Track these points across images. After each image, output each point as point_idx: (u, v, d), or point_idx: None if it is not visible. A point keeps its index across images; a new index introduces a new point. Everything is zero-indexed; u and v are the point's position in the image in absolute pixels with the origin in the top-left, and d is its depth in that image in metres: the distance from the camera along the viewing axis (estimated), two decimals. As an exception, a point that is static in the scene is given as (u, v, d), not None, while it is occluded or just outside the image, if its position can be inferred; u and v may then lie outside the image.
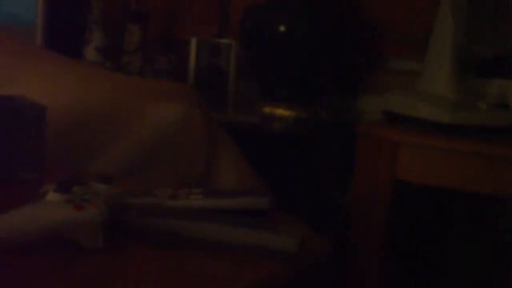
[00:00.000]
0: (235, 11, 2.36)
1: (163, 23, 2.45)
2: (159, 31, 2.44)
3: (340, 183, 2.10)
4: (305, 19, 2.13)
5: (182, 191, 1.19)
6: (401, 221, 2.21)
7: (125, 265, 0.98)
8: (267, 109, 2.17)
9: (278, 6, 2.17)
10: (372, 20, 2.34)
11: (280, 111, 2.16)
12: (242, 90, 2.27)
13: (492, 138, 1.80)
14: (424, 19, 2.08)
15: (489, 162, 1.75)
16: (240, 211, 1.16)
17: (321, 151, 2.18)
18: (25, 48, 1.69)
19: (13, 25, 2.23)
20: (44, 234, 0.93)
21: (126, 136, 1.39)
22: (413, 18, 2.27)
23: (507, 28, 1.91)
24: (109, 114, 1.41)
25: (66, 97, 1.40)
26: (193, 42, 2.19)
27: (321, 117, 2.22)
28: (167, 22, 2.46)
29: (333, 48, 2.19)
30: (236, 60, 2.20)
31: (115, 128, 1.41)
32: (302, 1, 2.16)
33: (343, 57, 2.28)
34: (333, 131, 2.23)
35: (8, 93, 1.20)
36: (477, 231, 2.27)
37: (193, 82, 2.19)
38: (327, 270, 1.29)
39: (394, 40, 2.31)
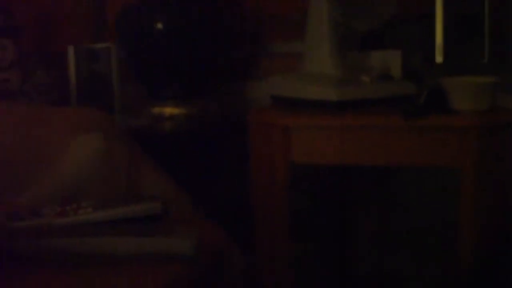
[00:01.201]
0: (110, 14, 2.31)
1: (38, 35, 2.38)
2: (35, 44, 2.36)
3: (239, 173, 2.10)
4: (181, 14, 2.11)
5: (71, 207, 1.15)
6: (304, 202, 2.24)
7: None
8: (156, 110, 2.14)
9: (152, 4, 2.14)
10: (250, 7, 2.34)
11: (169, 110, 2.13)
12: (129, 93, 2.23)
13: (379, 110, 1.83)
14: (300, 0, 2.09)
15: (378, 134, 1.78)
16: (133, 219, 1.14)
17: (216, 144, 2.17)
18: None
19: None
20: None
21: (51, 170, 1.42)
22: (290, 1, 2.28)
23: (380, 2, 1.94)
24: (29, 151, 1.46)
25: None
26: (70, 50, 2.13)
27: (211, 110, 2.20)
28: (42, 34, 2.38)
29: (213, 39, 2.17)
30: (118, 63, 2.15)
31: (38, 164, 1.44)
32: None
33: (225, 47, 2.27)
34: (225, 123, 2.22)
35: None
36: (377, 203, 2.32)
37: (75, 92, 2.13)
38: (232, 264, 1.28)
39: (275, 24, 2.32)
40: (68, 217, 1.11)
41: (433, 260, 2.24)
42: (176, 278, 1.03)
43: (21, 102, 2.09)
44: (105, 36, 2.33)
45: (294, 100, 1.91)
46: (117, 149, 1.47)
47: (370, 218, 2.33)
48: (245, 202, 2.02)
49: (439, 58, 2.06)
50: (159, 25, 2.09)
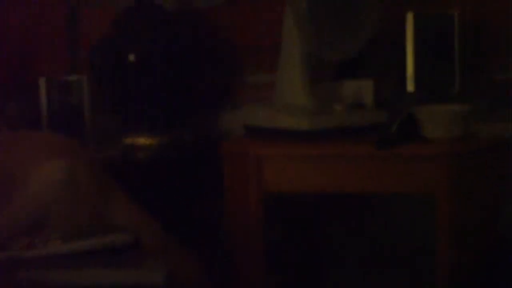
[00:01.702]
0: (84, 46, 2.31)
1: (9, 66, 2.36)
2: (6, 75, 2.35)
3: (213, 202, 2.09)
4: (154, 46, 2.11)
5: (39, 239, 1.14)
6: (279, 232, 2.23)
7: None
8: (128, 140, 2.14)
9: (126, 36, 2.14)
10: (225, 38, 2.35)
11: (142, 140, 2.12)
12: (101, 124, 2.21)
13: (351, 138, 1.83)
14: (274, 31, 2.10)
15: (351, 163, 1.78)
16: (103, 250, 1.13)
17: (189, 173, 2.16)
18: None
19: None
20: None
21: (15, 197, 1.40)
22: (264, 32, 2.30)
23: (351, 34, 1.96)
24: None
25: None
26: (42, 82, 2.12)
27: (184, 140, 2.20)
28: (13, 65, 2.37)
29: (187, 70, 2.18)
30: (90, 95, 2.14)
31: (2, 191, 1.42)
32: (150, 28, 2.14)
33: (199, 77, 2.27)
34: (199, 152, 2.21)
35: None
36: (353, 231, 2.31)
37: (47, 124, 2.12)
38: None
39: (249, 54, 2.33)
40: (37, 249, 1.09)
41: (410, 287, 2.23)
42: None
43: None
44: (78, 67, 2.33)
45: (267, 129, 1.91)
46: (82, 178, 1.45)
47: (346, 246, 2.32)
48: (220, 230, 2.01)
49: (410, 87, 2.08)
50: (132, 57, 2.09)
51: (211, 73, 2.34)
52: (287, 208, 2.23)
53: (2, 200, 1.36)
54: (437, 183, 1.74)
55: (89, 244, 1.11)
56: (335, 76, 2.11)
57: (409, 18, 2.08)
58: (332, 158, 1.79)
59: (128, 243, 1.13)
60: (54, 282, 1.04)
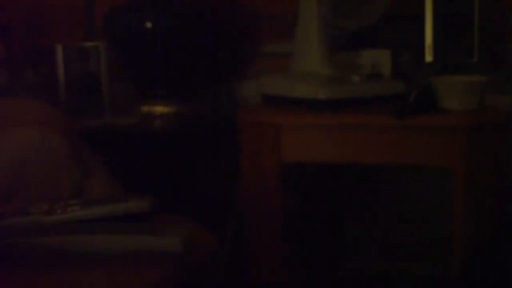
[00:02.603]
0: (100, 12, 2.30)
1: (27, 34, 2.36)
2: (24, 43, 2.35)
3: (229, 172, 2.09)
4: (171, 13, 2.10)
5: (58, 205, 1.15)
6: (296, 202, 2.23)
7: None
8: (145, 109, 2.14)
9: (141, 3, 2.13)
10: (241, 7, 2.34)
11: (159, 109, 2.12)
12: (118, 92, 2.22)
13: (368, 108, 1.83)
14: (292, 1, 2.08)
15: (368, 133, 1.78)
16: (122, 217, 1.13)
17: (206, 143, 2.17)
18: None
19: None
20: None
21: None
22: (282, 1, 2.28)
23: (371, 1, 1.95)
24: None
25: None
26: (59, 49, 2.12)
27: (202, 110, 2.20)
28: (31, 33, 2.37)
29: (204, 38, 2.17)
30: (107, 62, 2.14)
31: None
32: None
33: (217, 47, 2.27)
34: (216, 122, 2.21)
35: None
36: (367, 201, 2.31)
37: (64, 91, 2.12)
38: (220, 263, 1.28)
39: (266, 24, 2.32)
40: (56, 215, 1.10)
41: (425, 260, 2.24)
42: (166, 276, 1.03)
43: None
44: (95, 35, 2.32)
45: (284, 99, 1.91)
46: (58, 147, 1.41)
47: (361, 218, 2.33)
48: (235, 201, 2.02)
49: (428, 57, 2.06)
50: (149, 25, 2.08)
51: (228, 42, 2.33)
52: (304, 177, 2.24)
53: None
54: (453, 155, 1.74)
55: (108, 210, 1.12)
56: (352, 46, 2.10)
57: (429, -13, 2.06)
58: (348, 128, 1.78)
59: (147, 210, 1.14)
60: (72, 247, 1.05)
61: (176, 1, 2.14)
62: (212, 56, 2.27)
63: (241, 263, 1.88)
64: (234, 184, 2.00)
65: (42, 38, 2.35)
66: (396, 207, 2.28)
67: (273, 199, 1.83)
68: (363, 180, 2.29)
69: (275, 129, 1.81)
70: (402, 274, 2.28)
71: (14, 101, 1.71)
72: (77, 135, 1.55)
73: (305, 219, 2.29)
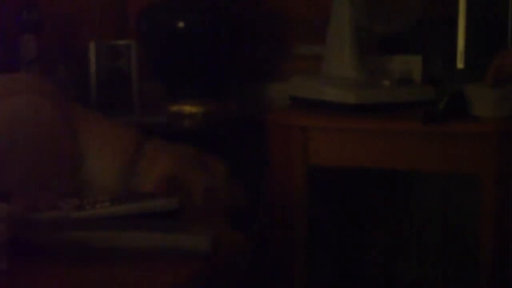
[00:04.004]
0: (131, 11, 2.31)
1: (59, 30, 2.39)
2: (57, 39, 2.37)
3: (257, 173, 2.09)
4: (202, 13, 2.11)
5: (88, 200, 1.16)
6: (322, 205, 2.23)
7: (33, 285, 0.94)
8: (175, 108, 2.14)
9: (173, 3, 2.14)
10: (272, 9, 2.34)
11: (188, 108, 2.13)
12: (148, 90, 2.23)
13: (398, 114, 1.82)
14: (323, 4, 2.08)
15: (397, 138, 1.77)
16: (150, 214, 1.14)
17: (234, 143, 2.17)
18: None
19: None
20: None
21: None
22: (312, 3, 2.28)
23: (403, 6, 1.94)
24: None
25: None
26: (92, 46, 2.14)
27: (230, 110, 2.20)
28: (63, 30, 2.39)
29: (234, 39, 2.17)
30: (138, 60, 2.16)
31: None
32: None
33: (247, 47, 2.27)
34: (244, 122, 2.22)
35: None
36: (393, 206, 2.30)
37: (95, 88, 2.14)
38: (245, 263, 1.28)
39: (297, 25, 2.32)
40: (86, 210, 1.11)
41: (452, 267, 2.22)
42: (193, 274, 1.03)
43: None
44: (127, 33, 2.34)
45: (313, 101, 1.91)
46: (48, 118, 1.41)
47: (389, 223, 2.32)
48: (262, 202, 2.02)
49: (460, 64, 2.05)
50: (180, 24, 2.09)
51: (258, 43, 2.33)
52: (332, 181, 2.23)
53: None
54: (484, 162, 1.73)
55: (138, 208, 1.13)
56: (384, 51, 2.09)
57: (462, -7, 2.05)
58: (377, 133, 1.78)
59: (175, 209, 1.14)
60: (101, 243, 1.06)
61: (207, 2, 2.15)
62: (240, 57, 2.27)
63: (265, 264, 1.88)
64: (261, 185, 2.00)
65: (74, 35, 2.38)
66: (425, 212, 2.26)
67: (299, 202, 1.83)
68: (393, 185, 2.28)
69: (304, 132, 1.81)
70: (431, 280, 2.27)
71: (6, 75, 1.70)
72: (72, 109, 1.54)
73: (332, 224, 2.29)
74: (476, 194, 1.78)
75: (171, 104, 2.15)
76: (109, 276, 1.00)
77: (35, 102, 1.43)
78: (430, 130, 1.73)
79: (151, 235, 1.05)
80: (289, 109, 1.99)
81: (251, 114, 2.23)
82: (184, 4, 2.14)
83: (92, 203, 1.14)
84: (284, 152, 1.85)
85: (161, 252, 1.05)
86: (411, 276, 2.29)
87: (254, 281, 1.67)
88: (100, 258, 1.03)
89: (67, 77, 2.20)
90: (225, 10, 2.16)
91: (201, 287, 1.03)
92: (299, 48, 2.31)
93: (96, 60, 2.14)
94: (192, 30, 2.10)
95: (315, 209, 1.97)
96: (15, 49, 2.20)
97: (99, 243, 1.05)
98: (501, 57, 1.81)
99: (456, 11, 2.05)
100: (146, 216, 1.14)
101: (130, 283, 0.97)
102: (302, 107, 1.93)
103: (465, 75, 2.03)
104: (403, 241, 2.29)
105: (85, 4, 2.40)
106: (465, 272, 2.13)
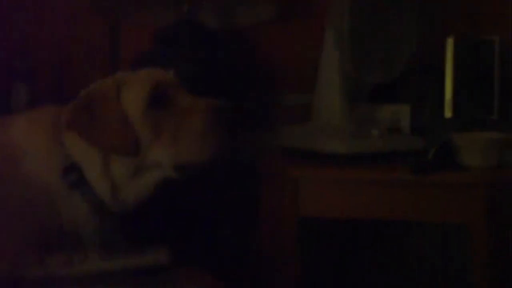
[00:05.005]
0: (124, 64, 2.33)
1: (51, 79, 2.40)
2: (50, 87, 2.38)
3: (247, 220, 2.09)
4: (193, 62, 2.12)
5: (77, 256, 1.15)
6: (314, 256, 2.22)
7: None
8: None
9: (167, 50, 2.16)
10: (262, 58, 2.36)
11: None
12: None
13: (387, 164, 1.83)
14: (313, 53, 2.10)
15: (387, 188, 1.77)
16: (140, 269, 1.14)
17: (225, 192, 2.17)
18: None
19: None
20: None
21: None
22: (303, 53, 2.30)
23: (392, 56, 1.96)
24: None
25: None
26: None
27: (221, 157, 2.20)
28: (56, 77, 2.40)
29: (224, 88, 2.19)
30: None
31: None
32: (190, 46, 2.16)
33: (236, 96, 2.28)
34: (236, 171, 2.22)
35: None
36: (384, 255, 2.30)
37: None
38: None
39: (286, 75, 2.33)
40: (75, 267, 1.11)
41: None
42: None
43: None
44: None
45: (303, 151, 1.91)
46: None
47: (379, 272, 2.31)
48: (253, 252, 2.01)
49: (448, 113, 2.07)
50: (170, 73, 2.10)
51: (248, 92, 2.35)
52: (323, 231, 2.23)
53: None
54: (472, 212, 1.73)
55: (127, 263, 1.12)
56: (372, 100, 2.11)
57: (450, 43, 2.08)
58: (368, 183, 1.78)
59: (165, 263, 1.14)
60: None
61: (199, 50, 2.16)
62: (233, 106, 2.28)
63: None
64: (253, 234, 2.00)
65: (68, 83, 2.39)
66: (420, 261, 2.26)
67: (290, 253, 1.82)
68: (382, 234, 2.28)
69: (294, 182, 1.81)
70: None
71: None
72: None
73: (323, 272, 2.28)
74: (465, 242, 1.79)
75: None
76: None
77: None
78: (419, 180, 1.74)
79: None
80: (280, 158, 1.99)
81: (243, 161, 2.23)
82: (176, 51, 2.16)
83: (81, 258, 1.13)
84: (275, 202, 1.85)
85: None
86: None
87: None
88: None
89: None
90: (215, 58, 2.18)
91: None
92: (289, 97, 2.33)
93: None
94: (182, 78, 2.11)
95: (307, 257, 1.97)
96: (8, 95, 2.21)
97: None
98: None
99: (444, 60, 2.08)
100: (136, 271, 1.13)
101: None
102: (293, 157, 1.94)
103: (453, 124, 2.05)
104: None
105: (78, 51, 2.41)
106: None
